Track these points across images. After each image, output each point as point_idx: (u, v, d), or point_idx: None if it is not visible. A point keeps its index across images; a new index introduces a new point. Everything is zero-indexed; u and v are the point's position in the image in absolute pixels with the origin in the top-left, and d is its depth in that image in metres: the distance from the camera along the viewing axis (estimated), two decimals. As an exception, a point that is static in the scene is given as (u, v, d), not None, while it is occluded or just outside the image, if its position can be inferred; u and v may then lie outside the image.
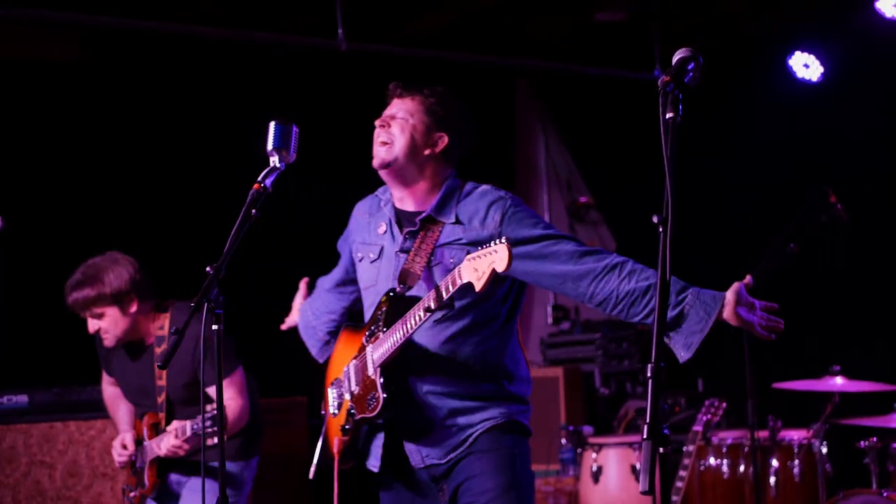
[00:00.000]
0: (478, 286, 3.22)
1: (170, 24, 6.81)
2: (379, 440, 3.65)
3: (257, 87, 7.63)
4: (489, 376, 3.60)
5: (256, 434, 4.95)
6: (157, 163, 7.62)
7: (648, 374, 2.53)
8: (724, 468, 6.31)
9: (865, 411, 5.88)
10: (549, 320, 9.09)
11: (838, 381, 5.78)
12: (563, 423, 7.79)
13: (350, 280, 3.95)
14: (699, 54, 2.75)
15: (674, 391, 7.65)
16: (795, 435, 6.13)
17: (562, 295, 3.78)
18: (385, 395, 3.50)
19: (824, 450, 5.95)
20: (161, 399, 4.78)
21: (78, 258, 4.87)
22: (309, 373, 4.35)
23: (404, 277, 3.56)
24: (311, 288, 4.23)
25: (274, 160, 3.48)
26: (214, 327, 3.31)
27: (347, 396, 3.67)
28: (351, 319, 4.00)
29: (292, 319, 4.27)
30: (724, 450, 6.33)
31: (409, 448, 3.62)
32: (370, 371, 3.57)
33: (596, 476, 6.73)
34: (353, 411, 3.62)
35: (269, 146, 3.48)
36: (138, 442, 4.85)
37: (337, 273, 4.05)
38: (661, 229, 2.60)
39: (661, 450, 2.48)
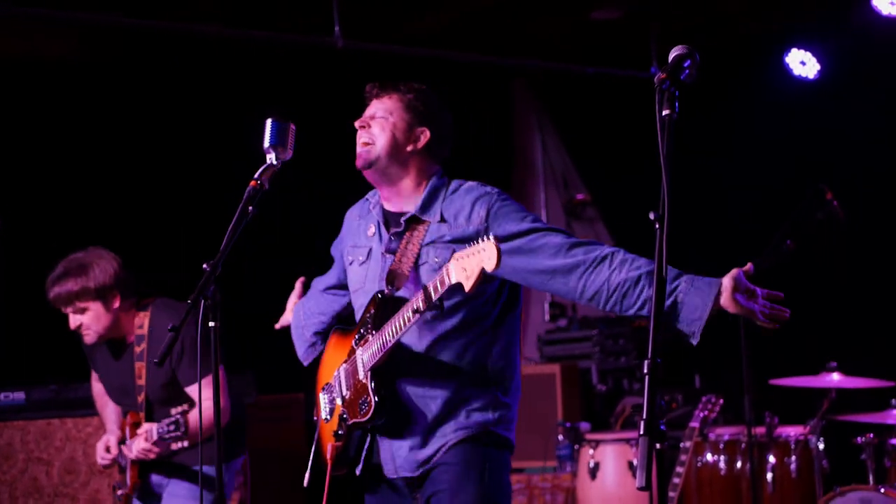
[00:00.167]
0: (467, 286, 3.17)
1: (168, 23, 6.81)
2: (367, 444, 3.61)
3: (255, 84, 7.64)
4: (477, 379, 3.52)
5: (239, 434, 4.88)
6: (155, 160, 7.63)
7: (645, 371, 2.53)
8: (721, 464, 6.32)
9: (862, 407, 5.88)
10: (546, 317, 9.09)
11: (835, 378, 5.78)
12: (560, 419, 7.79)
13: (343, 285, 3.90)
14: (696, 52, 2.75)
15: (670, 387, 7.65)
16: (792, 431, 6.14)
17: (555, 295, 3.70)
18: (377, 399, 3.45)
19: (821, 446, 5.95)
20: (141, 398, 4.72)
21: (76, 256, 4.85)
22: (307, 370, 4.35)
23: (392, 278, 3.51)
24: (306, 288, 4.22)
25: (271, 157, 3.48)
26: (211, 324, 3.32)
27: (339, 401, 3.62)
28: (341, 323, 3.96)
29: (286, 319, 4.22)
30: (721, 446, 6.34)
31: (385, 457, 3.57)
32: (361, 375, 3.53)
33: (593, 472, 6.74)
34: (345, 416, 3.57)
35: (266, 143, 3.48)
36: (122, 441, 4.80)
37: (330, 277, 4.02)
38: (657, 226, 2.61)
39: (657, 446, 2.48)
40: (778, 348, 6.77)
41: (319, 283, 4.09)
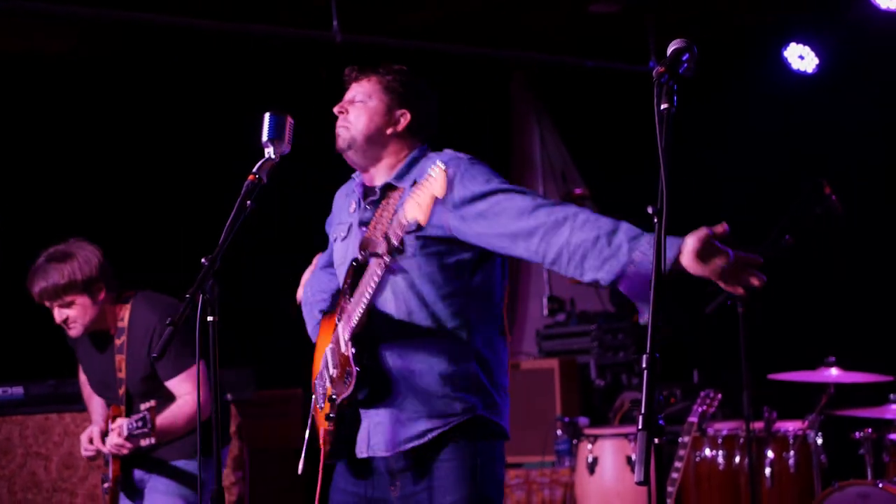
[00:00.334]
0: (422, 219, 3.01)
1: (167, 17, 6.81)
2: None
3: (253, 78, 7.63)
4: (457, 354, 3.40)
5: (220, 430, 4.81)
6: (154, 154, 7.62)
7: (644, 366, 2.52)
8: (720, 459, 6.32)
9: (860, 402, 5.88)
10: (545, 312, 9.09)
11: (833, 372, 5.78)
12: (558, 414, 7.80)
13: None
14: (694, 45, 2.75)
15: (669, 382, 7.66)
16: (791, 426, 6.14)
17: (522, 260, 3.53)
18: (357, 368, 3.33)
19: (819, 441, 5.95)
20: (122, 392, 4.66)
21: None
22: (306, 365, 4.34)
23: (365, 245, 3.40)
24: None
25: (269, 151, 3.47)
26: (210, 318, 3.31)
27: (328, 384, 3.52)
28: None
29: (300, 294, 4.14)
30: (720, 441, 6.34)
31: (360, 435, 3.45)
32: (343, 347, 3.42)
33: (591, 467, 6.74)
34: (334, 396, 3.45)
35: (264, 137, 3.47)
36: (105, 434, 4.72)
37: (327, 255, 3.97)
38: (655, 220, 2.61)
39: (656, 441, 2.47)
40: (776, 343, 6.78)
41: (321, 259, 4.04)
